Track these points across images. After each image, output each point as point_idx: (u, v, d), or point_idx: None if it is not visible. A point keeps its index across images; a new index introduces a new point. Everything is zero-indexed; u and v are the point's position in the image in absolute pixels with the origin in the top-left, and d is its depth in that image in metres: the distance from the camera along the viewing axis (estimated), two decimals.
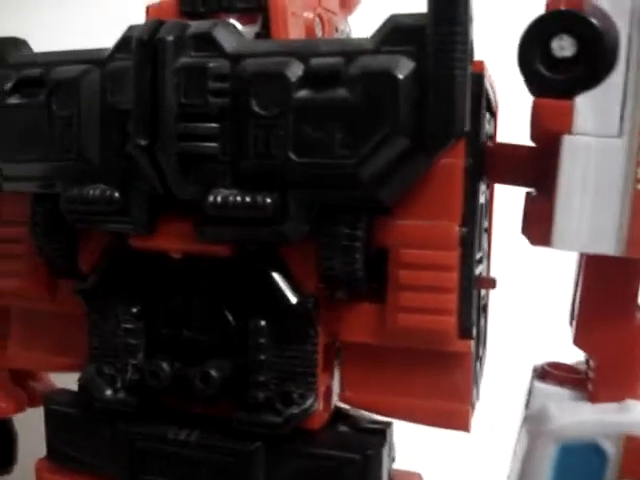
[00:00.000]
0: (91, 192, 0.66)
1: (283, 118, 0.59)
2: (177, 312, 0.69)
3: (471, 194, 0.63)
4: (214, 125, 0.62)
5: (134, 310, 0.70)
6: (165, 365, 0.68)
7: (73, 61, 0.67)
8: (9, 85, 0.69)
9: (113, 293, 0.71)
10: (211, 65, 0.61)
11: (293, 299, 0.65)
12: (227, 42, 0.62)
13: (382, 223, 0.63)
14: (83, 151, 0.66)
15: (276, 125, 0.60)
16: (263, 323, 0.66)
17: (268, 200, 0.61)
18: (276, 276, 0.65)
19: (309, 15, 0.72)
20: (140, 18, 0.72)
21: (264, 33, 0.72)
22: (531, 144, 0.65)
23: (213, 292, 0.68)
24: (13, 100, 0.69)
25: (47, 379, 0.88)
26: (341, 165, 0.59)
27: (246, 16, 0.72)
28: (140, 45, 0.62)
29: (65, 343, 0.77)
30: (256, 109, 0.60)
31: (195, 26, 0.63)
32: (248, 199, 0.61)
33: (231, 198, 0.62)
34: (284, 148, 0.60)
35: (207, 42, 0.62)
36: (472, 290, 0.64)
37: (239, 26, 0.72)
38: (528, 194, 0.66)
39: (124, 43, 0.65)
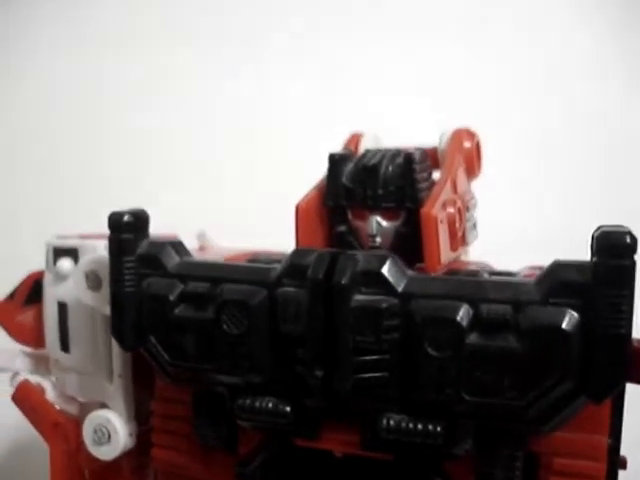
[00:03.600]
0: (263, 405, 0.71)
1: (455, 360, 0.65)
2: None
3: (618, 408, 0.69)
4: (386, 357, 0.67)
5: None
6: None
7: (240, 280, 0.72)
8: (174, 296, 0.74)
9: (273, 477, 0.77)
10: (384, 306, 0.66)
11: None
12: (396, 281, 0.67)
13: (536, 435, 0.69)
14: (254, 368, 0.71)
15: (448, 367, 0.65)
16: None
17: (439, 429, 0.66)
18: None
19: (450, 211, 0.77)
20: None
21: (406, 230, 0.77)
22: None
23: None
24: (180, 311, 0.74)
25: None
26: (509, 406, 0.64)
27: (389, 213, 0.77)
28: (315, 285, 0.67)
29: None
30: (429, 350, 0.65)
31: (364, 261, 0.68)
32: (420, 427, 0.67)
33: (403, 424, 0.67)
34: (456, 387, 0.65)
35: (377, 280, 0.67)
36: None
37: (383, 222, 0.77)
38: None
39: (292, 270, 0.70)
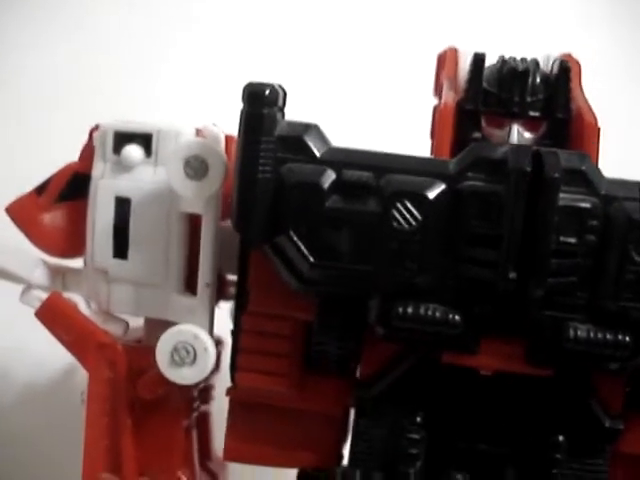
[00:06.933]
0: (430, 313, 0.64)
1: None
2: (472, 425, 0.69)
3: None
4: (580, 261, 0.63)
5: (418, 419, 0.69)
6: (461, 478, 0.69)
7: (411, 171, 0.64)
8: (327, 185, 0.64)
9: (397, 401, 0.69)
10: (588, 206, 0.62)
11: (606, 422, 0.68)
12: (597, 181, 0.63)
13: None
14: (422, 271, 0.63)
15: None
16: (561, 439, 0.68)
17: (628, 339, 0.63)
18: (592, 401, 0.68)
19: None
20: None
21: (548, 143, 0.73)
22: None
23: (517, 407, 0.69)
24: (334, 203, 0.64)
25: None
26: None
27: (531, 123, 0.73)
28: (520, 178, 0.61)
29: (300, 439, 0.74)
30: (633, 255, 0.62)
31: (565, 159, 0.63)
32: (610, 337, 0.63)
33: (592, 335, 0.63)
34: None
35: (581, 178, 0.63)
36: None
37: (525, 133, 0.73)
38: None
39: (480, 162, 0.63)
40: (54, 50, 1.18)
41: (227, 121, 0.73)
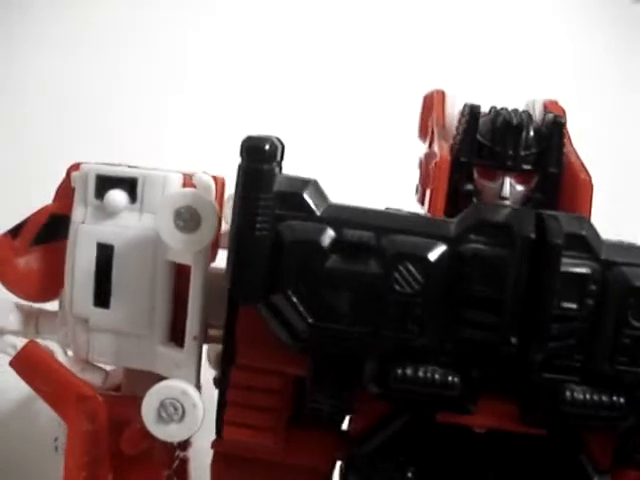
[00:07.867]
0: (429, 375, 0.63)
1: None
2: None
3: None
4: (579, 325, 0.63)
5: (410, 475, 0.68)
6: None
7: (412, 232, 0.63)
8: (327, 244, 0.62)
9: (389, 456, 0.68)
10: (589, 272, 0.62)
11: (595, 478, 0.68)
12: (597, 245, 0.63)
13: None
14: (422, 333, 0.63)
15: None
16: None
17: (622, 401, 0.64)
18: (582, 457, 0.68)
19: None
20: None
21: (539, 196, 0.73)
22: None
23: (508, 462, 0.69)
24: (334, 263, 0.62)
25: None
26: None
27: (522, 176, 0.72)
28: (526, 244, 0.61)
29: None
30: (631, 320, 0.62)
31: (565, 222, 0.63)
32: (605, 399, 0.64)
33: (588, 397, 0.63)
34: None
35: (580, 243, 0.63)
36: None
37: (517, 186, 0.72)
38: None
39: (482, 225, 0.63)
40: (58, 58, 1.16)
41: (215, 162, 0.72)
